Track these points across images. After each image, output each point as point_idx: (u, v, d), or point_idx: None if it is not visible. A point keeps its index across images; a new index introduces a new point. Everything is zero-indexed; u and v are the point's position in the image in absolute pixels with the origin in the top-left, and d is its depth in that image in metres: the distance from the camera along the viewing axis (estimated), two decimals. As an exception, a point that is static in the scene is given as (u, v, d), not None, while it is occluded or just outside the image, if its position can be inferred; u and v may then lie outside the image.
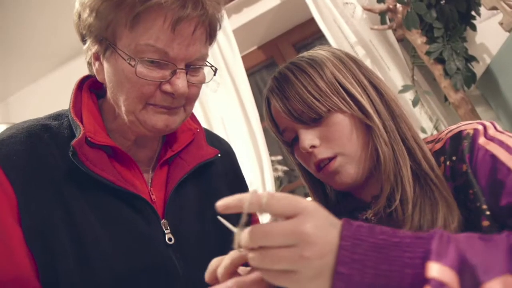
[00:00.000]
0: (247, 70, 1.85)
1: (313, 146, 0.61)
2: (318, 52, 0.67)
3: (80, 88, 0.65)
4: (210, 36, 0.61)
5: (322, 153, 0.61)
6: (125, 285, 0.55)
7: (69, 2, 0.62)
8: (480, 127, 0.56)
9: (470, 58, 1.51)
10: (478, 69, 1.53)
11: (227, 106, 1.77)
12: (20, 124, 0.61)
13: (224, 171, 0.76)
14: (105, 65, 0.59)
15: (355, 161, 0.61)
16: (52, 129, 0.60)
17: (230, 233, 0.70)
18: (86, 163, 0.56)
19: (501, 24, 1.44)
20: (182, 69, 0.57)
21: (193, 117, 0.77)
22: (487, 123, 0.57)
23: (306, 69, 0.63)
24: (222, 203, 0.38)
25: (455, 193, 0.56)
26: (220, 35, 1.83)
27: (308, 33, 2.05)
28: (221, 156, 0.75)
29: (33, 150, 0.57)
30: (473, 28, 1.57)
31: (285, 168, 1.89)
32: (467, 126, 0.57)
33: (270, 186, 1.67)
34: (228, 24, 1.85)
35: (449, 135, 0.59)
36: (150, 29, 0.53)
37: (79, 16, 0.58)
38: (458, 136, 0.57)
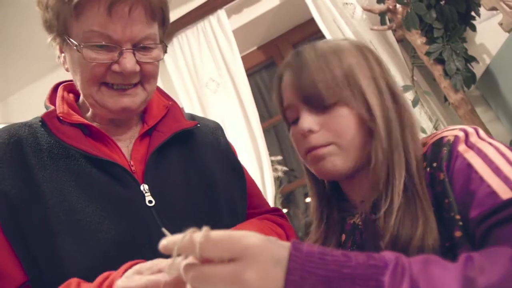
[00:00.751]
0: (247, 70, 1.85)
1: (310, 131, 0.60)
2: (344, 41, 0.66)
3: (56, 88, 0.72)
4: (153, 15, 0.63)
5: (317, 140, 0.60)
6: (107, 248, 0.56)
7: (69, 2, 0.63)
8: (461, 134, 0.54)
9: (470, 59, 1.52)
10: (478, 69, 1.53)
11: (227, 107, 1.78)
12: (6, 125, 0.66)
13: (207, 141, 0.78)
14: (66, 55, 0.65)
15: (346, 155, 0.59)
16: (32, 126, 0.65)
17: (216, 193, 0.69)
18: (58, 134, 0.62)
19: (500, 24, 1.44)
20: (128, 49, 0.61)
21: (165, 95, 0.82)
22: (470, 130, 0.55)
23: (327, 54, 0.61)
24: (161, 245, 0.35)
25: (434, 200, 0.54)
26: (220, 35, 1.85)
27: (308, 33, 2.05)
28: (202, 128, 0.79)
29: (9, 142, 0.62)
30: (473, 28, 1.57)
31: (285, 168, 1.89)
32: (449, 132, 0.56)
33: (270, 186, 1.68)
34: (228, 25, 1.85)
35: (432, 140, 0.57)
36: (90, 16, 0.58)
37: (42, 14, 0.64)
38: (439, 143, 0.55)
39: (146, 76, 0.65)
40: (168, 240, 0.35)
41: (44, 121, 0.63)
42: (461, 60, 1.48)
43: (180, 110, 0.79)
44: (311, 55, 0.62)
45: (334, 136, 0.59)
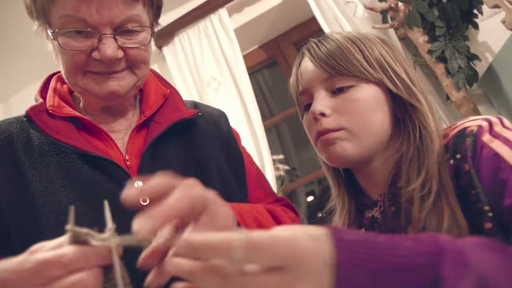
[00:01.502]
0: (248, 69, 1.85)
1: (322, 114, 0.59)
2: (365, 32, 0.66)
3: (49, 80, 0.68)
4: None
5: (328, 123, 0.59)
6: None
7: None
8: (485, 124, 0.53)
9: (472, 57, 1.51)
10: (480, 67, 1.52)
11: (228, 106, 1.77)
12: None
13: (209, 131, 0.74)
14: (50, 43, 0.61)
15: (358, 142, 0.58)
16: (24, 121, 0.62)
17: (214, 182, 0.65)
18: (46, 130, 0.58)
19: (503, 22, 1.44)
20: (107, 34, 0.56)
21: (163, 81, 0.77)
22: (494, 119, 0.54)
23: (356, 41, 0.62)
24: (188, 240, 0.29)
25: (458, 192, 0.53)
26: (221, 34, 1.84)
27: (309, 32, 2.04)
28: (205, 117, 0.74)
29: None
30: (475, 26, 1.56)
31: (286, 167, 1.88)
32: (472, 122, 0.55)
33: (272, 185, 1.67)
34: (230, 24, 1.85)
35: (454, 131, 0.56)
36: (63, 0, 0.54)
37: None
38: (462, 134, 0.54)
39: (133, 61, 0.61)
40: (202, 239, 0.28)
41: (29, 116, 0.59)
42: (463, 58, 1.48)
43: (180, 97, 0.75)
44: (340, 39, 0.62)
45: (346, 121, 0.58)
